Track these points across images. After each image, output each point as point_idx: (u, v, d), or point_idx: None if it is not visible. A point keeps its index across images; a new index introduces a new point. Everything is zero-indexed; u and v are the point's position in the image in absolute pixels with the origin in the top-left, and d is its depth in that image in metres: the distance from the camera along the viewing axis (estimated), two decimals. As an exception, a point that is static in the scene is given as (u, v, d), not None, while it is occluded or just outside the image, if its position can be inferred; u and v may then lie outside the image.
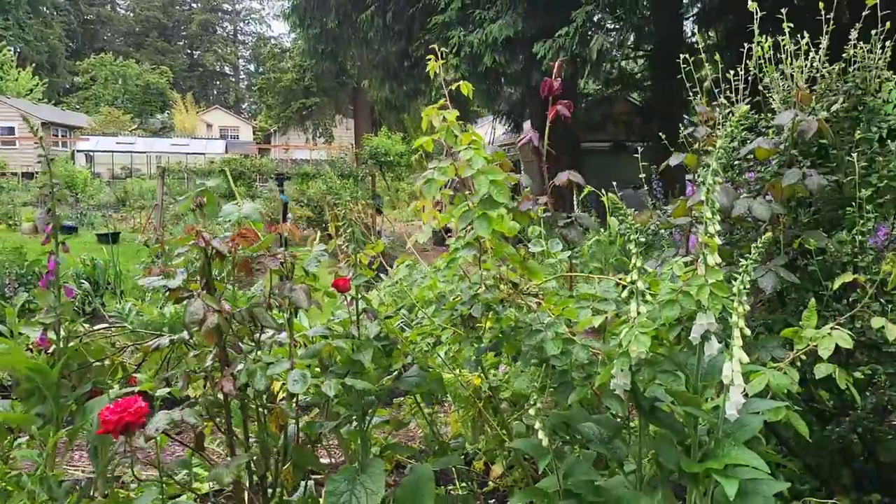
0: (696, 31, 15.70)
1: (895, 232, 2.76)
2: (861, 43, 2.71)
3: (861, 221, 2.43)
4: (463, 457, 3.25)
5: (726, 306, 1.72)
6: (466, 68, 11.47)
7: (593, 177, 3.66)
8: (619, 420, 2.03)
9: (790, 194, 2.57)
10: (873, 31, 2.64)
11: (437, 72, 2.28)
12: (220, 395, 2.08)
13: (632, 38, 15.69)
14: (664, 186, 5.41)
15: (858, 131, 2.71)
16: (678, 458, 1.83)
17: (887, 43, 2.67)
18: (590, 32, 9.41)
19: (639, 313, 1.76)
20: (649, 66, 15.63)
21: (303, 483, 2.45)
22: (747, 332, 1.68)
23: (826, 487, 2.97)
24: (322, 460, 2.97)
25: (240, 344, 2.19)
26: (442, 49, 2.38)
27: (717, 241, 1.76)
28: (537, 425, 1.87)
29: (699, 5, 15.22)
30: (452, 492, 3.02)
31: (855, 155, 2.44)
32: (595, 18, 10.04)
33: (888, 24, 2.65)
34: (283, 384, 2.05)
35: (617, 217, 2.05)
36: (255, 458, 2.15)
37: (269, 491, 2.21)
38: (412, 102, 16.61)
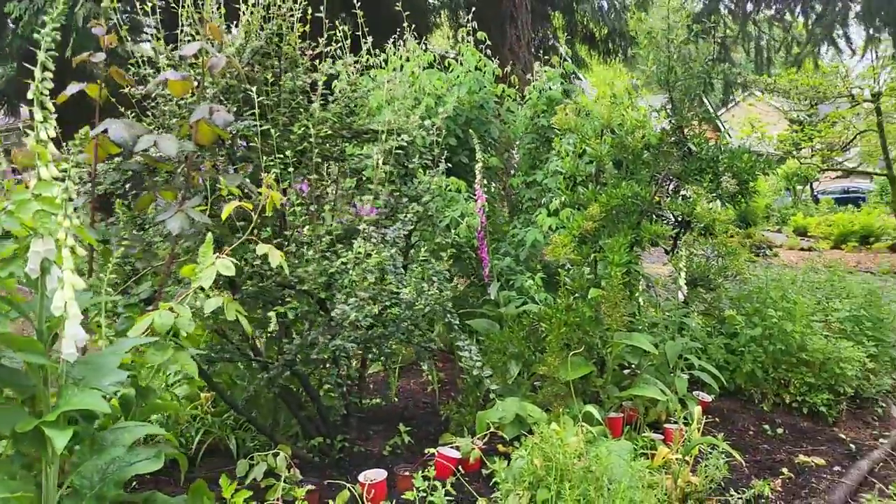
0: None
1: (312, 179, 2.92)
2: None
3: (274, 160, 2.46)
4: None
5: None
6: (-79, 27, 9.16)
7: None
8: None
9: (211, 137, 2.45)
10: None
11: None
12: None
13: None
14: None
15: (288, 80, 2.77)
16: (16, 421, 1.47)
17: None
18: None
19: (-64, 238, 1.35)
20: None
21: None
22: (81, 251, 1.42)
23: (274, 441, 2.98)
24: None
25: None
26: None
27: (52, 149, 1.46)
28: None
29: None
30: None
31: (256, 94, 2.45)
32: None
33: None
34: None
35: None
36: None
37: None
38: None
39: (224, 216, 1.99)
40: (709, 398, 4.34)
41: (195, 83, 2.37)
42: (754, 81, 6.34)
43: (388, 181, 3.19)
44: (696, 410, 3.12)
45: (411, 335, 3.08)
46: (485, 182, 4.62)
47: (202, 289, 1.90)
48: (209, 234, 1.97)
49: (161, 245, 2.52)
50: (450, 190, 3.87)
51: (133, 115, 2.59)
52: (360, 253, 2.48)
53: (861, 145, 20.44)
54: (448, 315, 3.06)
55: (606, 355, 3.62)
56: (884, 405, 4.73)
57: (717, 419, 4.30)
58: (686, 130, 4.60)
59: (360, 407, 3.24)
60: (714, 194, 4.42)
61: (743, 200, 4.45)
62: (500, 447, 3.40)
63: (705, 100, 4.96)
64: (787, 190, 27.87)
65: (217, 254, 1.86)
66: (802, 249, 17.08)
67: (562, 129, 3.63)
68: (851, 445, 4.02)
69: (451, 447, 3.07)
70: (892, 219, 17.84)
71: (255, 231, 2.67)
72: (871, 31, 5.13)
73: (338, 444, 2.99)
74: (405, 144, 2.89)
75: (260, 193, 2.53)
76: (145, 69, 2.71)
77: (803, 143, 18.54)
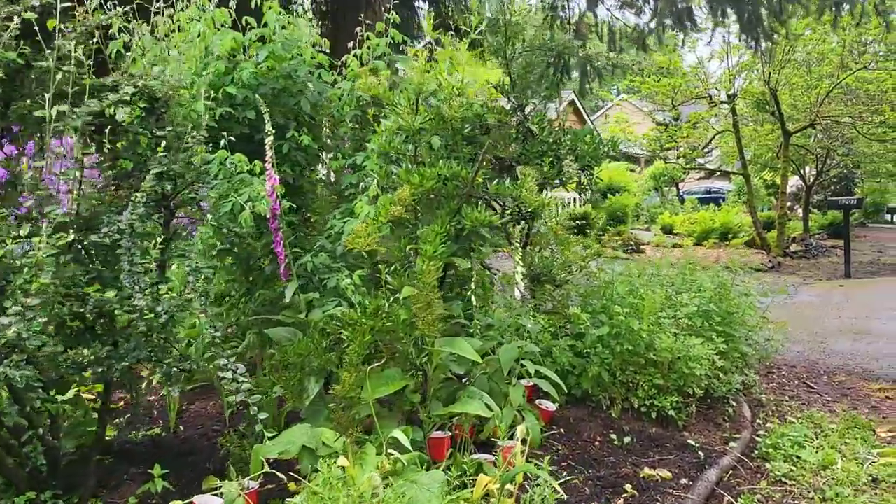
0: None
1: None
2: None
3: None
4: None
5: None
6: None
7: None
8: None
9: None
10: None
11: None
12: None
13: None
14: None
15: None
16: None
17: None
18: None
19: None
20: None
21: None
22: None
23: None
24: None
25: None
26: None
27: None
28: None
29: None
30: None
31: None
32: None
33: None
34: None
35: None
36: None
37: None
38: None
39: None
40: (553, 407, 3.89)
41: None
42: (603, 55, 6.07)
43: (135, 153, 2.48)
44: (520, 430, 2.62)
45: (163, 353, 2.38)
46: (302, 166, 3.97)
47: None
48: None
49: None
50: (240, 171, 3.19)
51: None
52: (27, 241, 1.76)
53: (720, 146, 21.44)
54: (208, 326, 2.39)
55: (426, 366, 3.06)
56: (734, 404, 4.49)
57: (561, 430, 3.86)
58: (528, 110, 4.16)
59: (100, 444, 2.49)
60: (557, 180, 3.99)
61: (588, 188, 4.04)
62: (293, 486, 2.76)
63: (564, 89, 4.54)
64: (655, 190, 28.97)
65: None
66: (668, 246, 17.56)
67: (373, 97, 3.05)
68: (700, 453, 3.69)
69: (214, 494, 2.39)
70: (748, 217, 18.67)
71: None
72: (717, 11, 4.99)
73: (48, 499, 2.23)
74: (128, 99, 2.19)
75: None
76: None
77: (666, 143, 19.17)
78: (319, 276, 3.54)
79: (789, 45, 14.60)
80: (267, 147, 2.97)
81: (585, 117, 22.19)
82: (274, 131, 3.65)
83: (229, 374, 2.31)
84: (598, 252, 3.96)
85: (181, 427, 3.39)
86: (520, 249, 3.43)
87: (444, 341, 3.04)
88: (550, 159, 3.89)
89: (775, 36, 5.08)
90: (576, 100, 21.40)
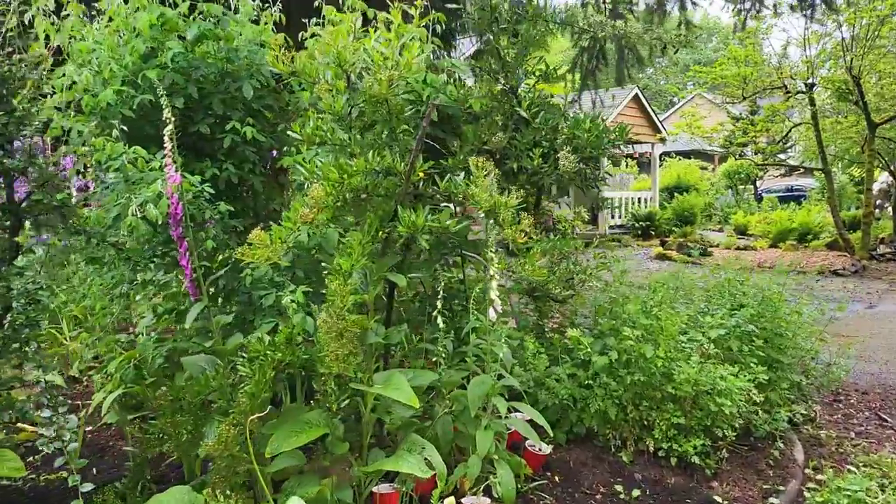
0: None
1: None
2: None
3: None
4: None
5: None
6: None
7: None
8: None
9: None
10: None
11: None
12: None
13: None
14: None
15: None
16: None
17: None
18: None
19: None
20: None
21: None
22: None
23: None
24: None
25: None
26: None
27: None
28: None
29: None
30: None
31: None
32: None
33: None
34: None
35: None
36: None
37: None
38: None
39: None
40: (547, 450, 3.22)
41: None
42: (639, 34, 5.29)
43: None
44: (448, 502, 1.98)
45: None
46: (252, 163, 3.44)
47: None
48: None
49: None
50: (152, 169, 2.67)
51: None
52: None
53: (801, 141, 19.83)
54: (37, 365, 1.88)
55: (361, 407, 2.47)
56: (783, 445, 3.68)
57: (556, 478, 3.19)
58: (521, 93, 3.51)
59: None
60: (552, 178, 3.33)
61: (592, 184, 3.36)
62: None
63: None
64: (729, 188, 27.32)
65: None
66: (739, 248, 16.29)
67: (301, 77, 2.49)
68: (727, 515, 2.95)
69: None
70: (831, 216, 17.12)
71: None
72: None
73: None
74: None
75: None
76: None
77: (739, 138, 17.85)
78: (259, 292, 3.00)
79: (873, 29, 13.20)
80: (166, 138, 2.44)
81: (651, 114, 20.93)
82: (210, 120, 3.15)
83: (51, 432, 1.78)
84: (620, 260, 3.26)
85: (94, 470, 2.91)
86: (494, 259, 2.79)
87: (381, 377, 2.44)
88: (543, 150, 3.23)
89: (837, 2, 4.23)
90: (639, 94, 20.19)
